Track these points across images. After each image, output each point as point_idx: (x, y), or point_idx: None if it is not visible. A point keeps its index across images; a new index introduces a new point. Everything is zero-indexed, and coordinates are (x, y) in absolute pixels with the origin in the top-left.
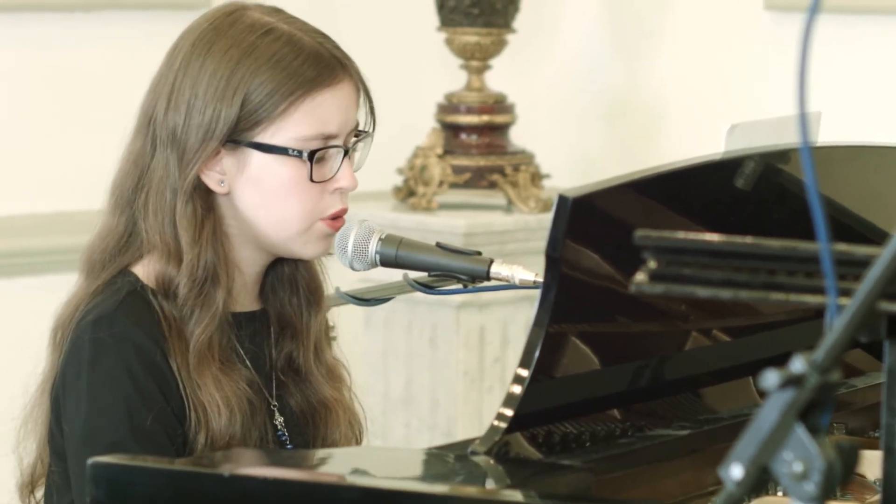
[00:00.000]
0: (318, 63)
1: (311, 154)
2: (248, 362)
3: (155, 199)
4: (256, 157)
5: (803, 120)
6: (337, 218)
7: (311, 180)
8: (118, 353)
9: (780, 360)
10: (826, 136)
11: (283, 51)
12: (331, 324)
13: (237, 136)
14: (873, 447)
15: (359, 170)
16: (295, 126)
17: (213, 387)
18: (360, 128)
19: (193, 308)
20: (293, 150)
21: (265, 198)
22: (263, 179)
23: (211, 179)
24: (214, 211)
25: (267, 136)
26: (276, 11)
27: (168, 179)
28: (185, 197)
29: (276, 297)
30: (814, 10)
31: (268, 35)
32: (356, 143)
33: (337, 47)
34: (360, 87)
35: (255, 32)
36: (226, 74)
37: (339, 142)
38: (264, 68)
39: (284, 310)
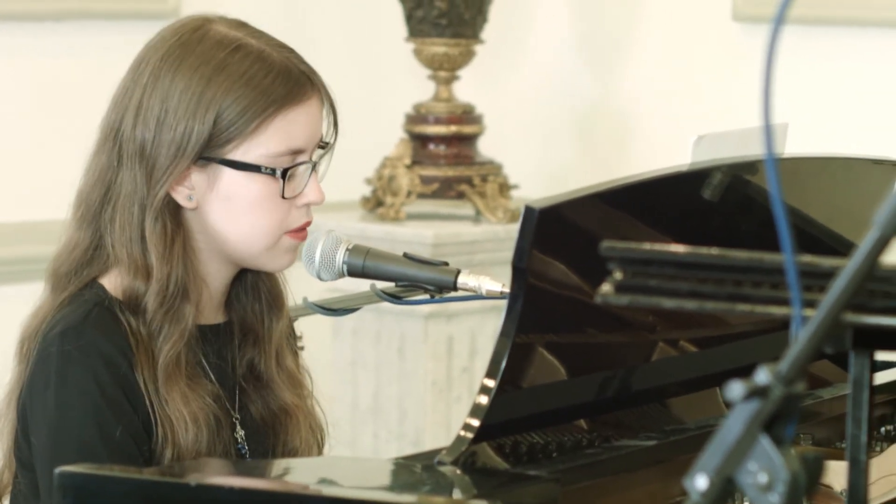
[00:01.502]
0: (288, 80)
1: (284, 172)
2: (212, 376)
3: (122, 214)
4: (227, 173)
5: (768, 131)
6: (301, 230)
7: (283, 197)
8: (86, 364)
9: (747, 371)
10: (794, 147)
11: (253, 68)
12: (298, 334)
13: (208, 154)
14: (840, 458)
15: (321, 180)
16: (266, 143)
17: (181, 402)
18: (323, 139)
19: (162, 324)
20: (266, 168)
21: (234, 213)
22: (234, 196)
23: (180, 195)
24: (183, 226)
25: (239, 154)
26: (242, 25)
27: (136, 195)
28: (154, 213)
29: (239, 305)
30: (779, 21)
31: (237, 52)
32: (322, 156)
33: (303, 61)
34: (326, 99)
35: (224, 49)
36: (197, 91)
37: (306, 157)
38: (236, 87)
39: (247, 317)
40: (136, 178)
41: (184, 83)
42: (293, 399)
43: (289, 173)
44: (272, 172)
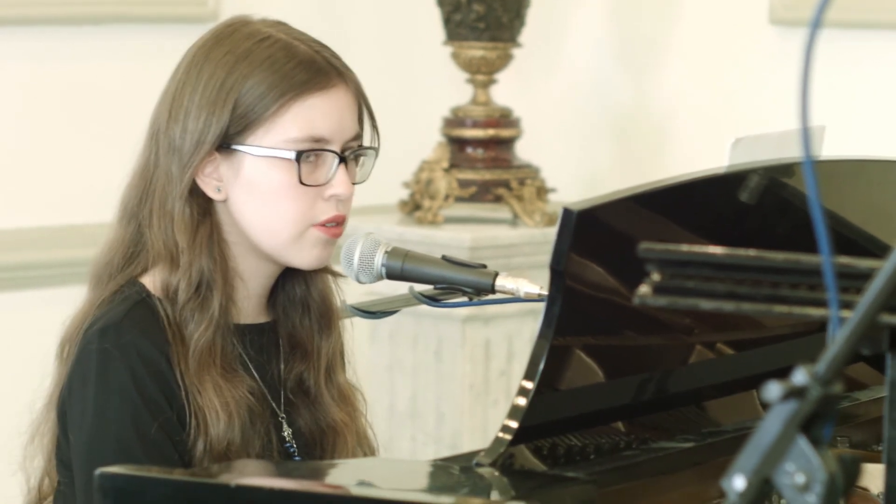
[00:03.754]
0: (311, 67)
1: (299, 155)
2: (253, 372)
3: (158, 207)
4: (248, 160)
5: (805, 134)
6: (332, 225)
7: (301, 182)
8: (124, 362)
9: (784, 374)
10: (830, 150)
11: (276, 55)
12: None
13: (229, 141)
14: (876, 460)
15: (363, 182)
16: (284, 128)
17: (213, 392)
18: (365, 143)
19: (193, 311)
20: (281, 151)
21: (258, 202)
22: (256, 183)
23: (208, 186)
24: (211, 217)
25: (257, 139)
26: (279, 24)
27: (169, 187)
28: (181, 202)
29: (287, 318)
30: (816, 24)
31: (264, 42)
32: (354, 153)
33: (336, 57)
34: (360, 98)
35: (251, 39)
36: (220, 79)
37: (333, 147)
38: (257, 71)
39: (296, 330)
40: (170, 171)
41: (209, 73)
42: (342, 416)
43: (308, 159)
44: (288, 156)
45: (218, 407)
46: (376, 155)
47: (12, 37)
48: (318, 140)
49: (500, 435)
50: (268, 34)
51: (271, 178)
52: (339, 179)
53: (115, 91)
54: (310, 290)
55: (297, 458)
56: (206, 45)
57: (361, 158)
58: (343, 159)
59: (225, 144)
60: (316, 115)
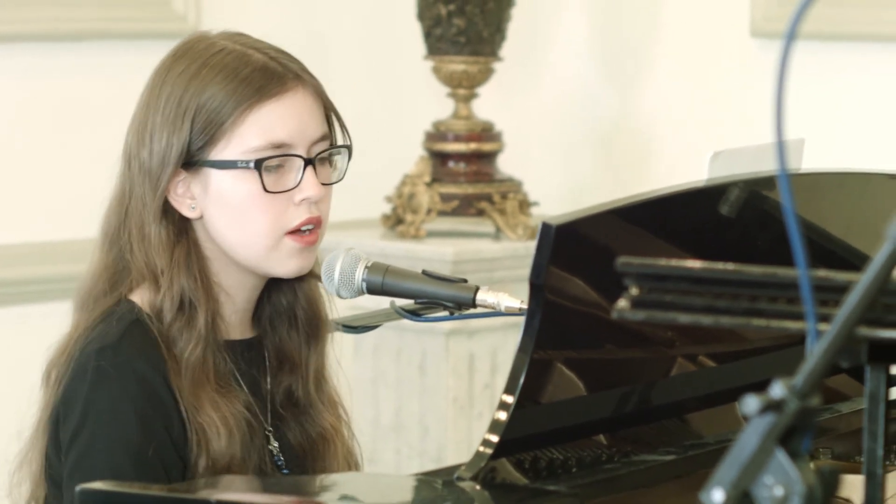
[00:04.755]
0: (265, 73)
1: (258, 164)
2: (244, 386)
3: (136, 231)
4: (214, 175)
5: (780, 147)
6: (307, 230)
7: (266, 191)
8: (120, 382)
9: (766, 386)
10: (810, 162)
11: (231, 65)
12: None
13: (193, 157)
14: (858, 471)
15: (339, 181)
16: (244, 138)
17: (211, 408)
18: (336, 143)
19: (181, 330)
20: (241, 162)
21: (229, 216)
22: (224, 197)
23: (182, 206)
24: (188, 235)
25: (219, 153)
26: (238, 35)
27: (145, 210)
28: (156, 223)
29: (273, 331)
30: (790, 37)
31: (218, 54)
32: (323, 154)
33: (293, 61)
34: (322, 99)
35: (206, 53)
36: (178, 96)
37: (297, 152)
38: (212, 83)
39: (283, 343)
40: (144, 194)
41: (168, 90)
42: (332, 422)
43: (273, 167)
44: (247, 165)
45: (218, 422)
46: (350, 153)
47: None
48: (279, 146)
49: (481, 449)
50: (222, 46)
51: (237, 189)
52: (307, 182)
53: (98, 107)
54: (298, 299)
55: (285, 472)
56: (165, 65)
57: (334, 158)
58: (310, 162)
59: (190, 161)
60: (274, 120)
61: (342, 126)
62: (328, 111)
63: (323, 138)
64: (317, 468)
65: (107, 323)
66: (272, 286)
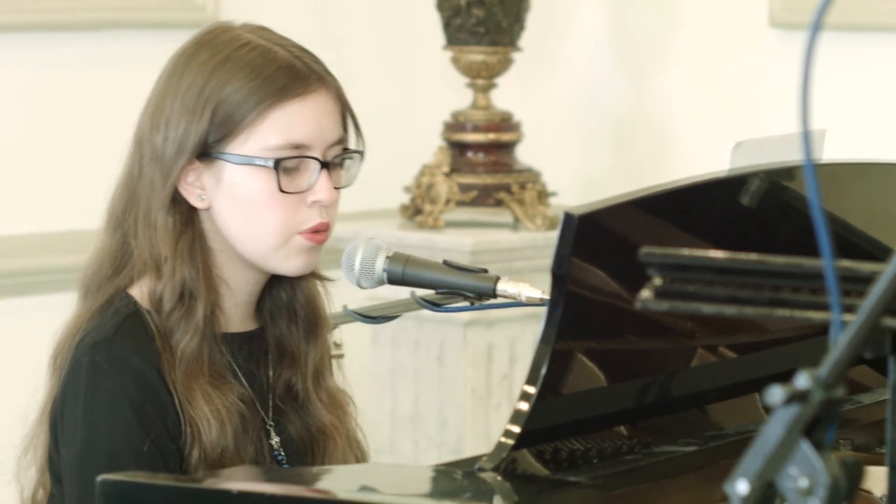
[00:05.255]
0: (290, 73)
1: (277, 163)
2: (242, 379)
3: (142, 216)
4: (229, 169)
5: (806, 137)
6: (317, 232)
7: (281, 190)
8: (115, 378)
9: (787, 377)
10: (831, 152)
11: (255, 61)
12: (337, 342)
13: (210, 149)
14: (879, 463)
15: (348, 187)
16: (263, 135)
17: (203, 400)
18: (350, 147)
19: (179, 320)
20: (260, 160)
21: (240, 211)
22: (237, 192)
23: (191, 195)
24: (194, 225)
25: (238, 148)
26: (261, 29)
27: (153, 196)
28: (164, 211)
29: (274, 323)
30: (816, 27)
31: (243, 48)
32: (338, 158)
33: (316, 61)
34: (342, 102)
35: (231, 45)
36: (199, 86)
37: (314, 154)
38: (235, 78)
39: (283, 336)
40: (153, 179)
41: (190, 79)
42: (332, 420)
43: (289, 167)
44: (265, 163)
45: (209, 414)
46: (362, 158)
47: (10, 43)
48: (297, 147)
49: (503, 440)
50: (247, 40)
51: (252, 186)
52: (321, 186)
53: (114, 97)
54: (296, 295)
55: (285, 466)
56: (187, 52)
57: (346, 162)
58: (325, 165)
59: (205, 153)
60: (295, 121)
61: (357, 130)
62: (345, 114)
63: (339, 141)
64: (317, 463)
65: (102, 316)
66: (273, 281)
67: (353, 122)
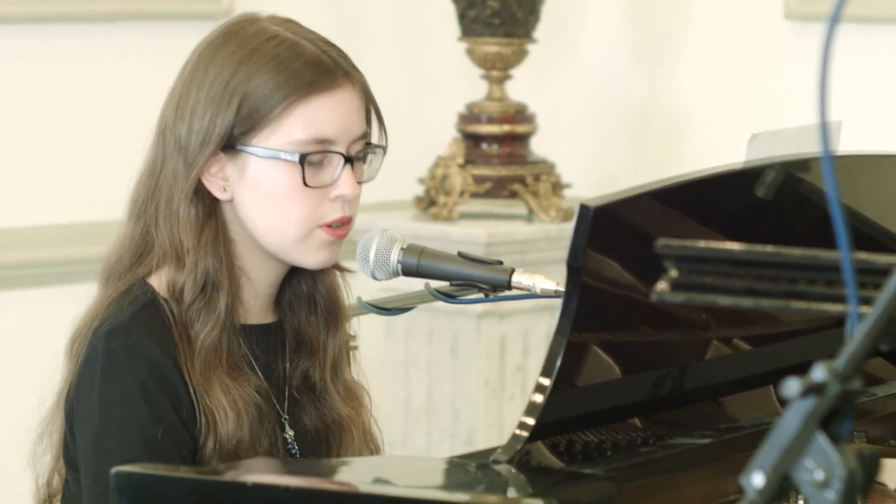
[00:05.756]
0: (317, 68)
1: (303, 158)
2: (258, 371)
3: (165, 206)
4: (253, 161)
5: (823, 129)
6: (339, 226)
7: (305, 184)
8: (130, 364)
9: (802, 369)
10: (847, 144)
11: (282, 54)
12: (352, 333)
13: (235, 141)
14: (893, 455)
15: (370, 181)
16: (290, 129)
17: (220, 391)
18: (373, 141)
19: (199, 311)
20: (285, 154)
21: (264, 203)
22: (261, 185)
23: (214, 186)
24: (217, 216)
25: (263, 141)
26: (288, 22)
27: (176, 185)
28: (186, 201)
29: (293, 314)
30: (834, 19)
31: (271, 41)
32: (361, 152)
33: (343, 56)
34: (367, 97)
35: (258, 38)
36: (226, 78)
37: (338, 148)
38: (262, 71)
39: (301, 327)
40: (176, 169)
41: (216, 71)
42: (348, 412)
43: (314, 161)
44: (291, 158)
45: (226, 405)
46: (384, 153)
47: (25, 34)
48: (322, 141)
49: (517, 432)
50: (275, 33)
51: (276, 179)
52: (344, 180)
53: (129, 88)
54: (317, 286)
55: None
56: (214, 43)
57: (369, 157)
58: (349, 160)
59: (230, 144)
60: (321, 116)
61: (381, 125)
62: (369, 108)
63: (362, 136)
64: (332, 455)
65: (120, 304)
66: (293, 272)
67: (378, 116)
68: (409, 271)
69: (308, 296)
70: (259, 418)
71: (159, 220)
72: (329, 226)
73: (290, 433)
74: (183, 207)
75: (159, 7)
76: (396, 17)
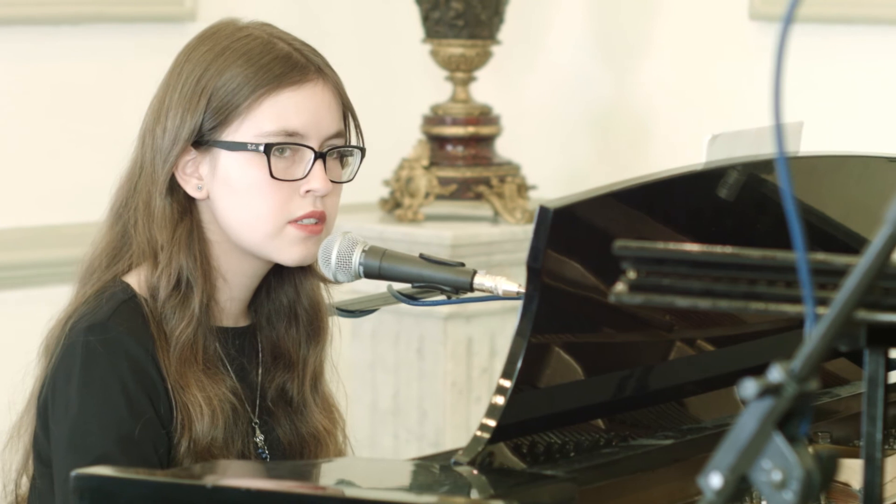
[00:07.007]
0: (287, 62)
1: (268, 148)
2: (232, 373)
3: (142, 206)
4: (224, 156)
5: (778, 130)
6: (310, 222)
7: (273, 177)
8: (109, 361)
9: (764, 370)
10: (810, 145)
11: (253, 50)
12: None
13: (205, 136)
14: (857, 456)
15: (349, 182)
16: (258, 122)
17: (196, 388)
18: (350, 143)
19: (174, 308)
20: (251, 145)
21: (234, 198)
22: (231, 179)
23: (189, 185)
24: (192, 215)
25: (231, 134)
26: (264, 24)
27: (153, 186)
28: (161, 198)
29: (270, 326)
30: (788, 20)
31: (243, 39)
32: (335, 150)
33: (316, 55)
34: (342, 98)
35: (232, 37)
36: (197, 76)
37: (309, 143)
38: (233, 66)
39: (280, 340)
40: (154, 170)
41: (188, 71)
42: (326, 424)
43: (284, 154)
44: (256, 148)
45: (202, 402)
46: (362, 155)
47: None
48: (291, 134)
49: (478, 433)
50: (248, 32)
51: (245, 173)
52: (314, 175)
53: (93, 91)
54: (300, 298)
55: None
56: (190, 46)
57: (347, 158)
58: (320, 155)
59: (201, 140)
60: (290, 108)
61: (357, 127)
62: (346, 110)
63: (337, 135)
64: None
65: (97, 301)
66: (274, 281)
67: (353, 118)
68: (370, 273)
69: (289, 308)
70: (233, 418)
71: (138, 220)
72: (299, 221)
73: (259, 437)
74: (158, 205)
75: (123, 10)
76: (360, 18)
